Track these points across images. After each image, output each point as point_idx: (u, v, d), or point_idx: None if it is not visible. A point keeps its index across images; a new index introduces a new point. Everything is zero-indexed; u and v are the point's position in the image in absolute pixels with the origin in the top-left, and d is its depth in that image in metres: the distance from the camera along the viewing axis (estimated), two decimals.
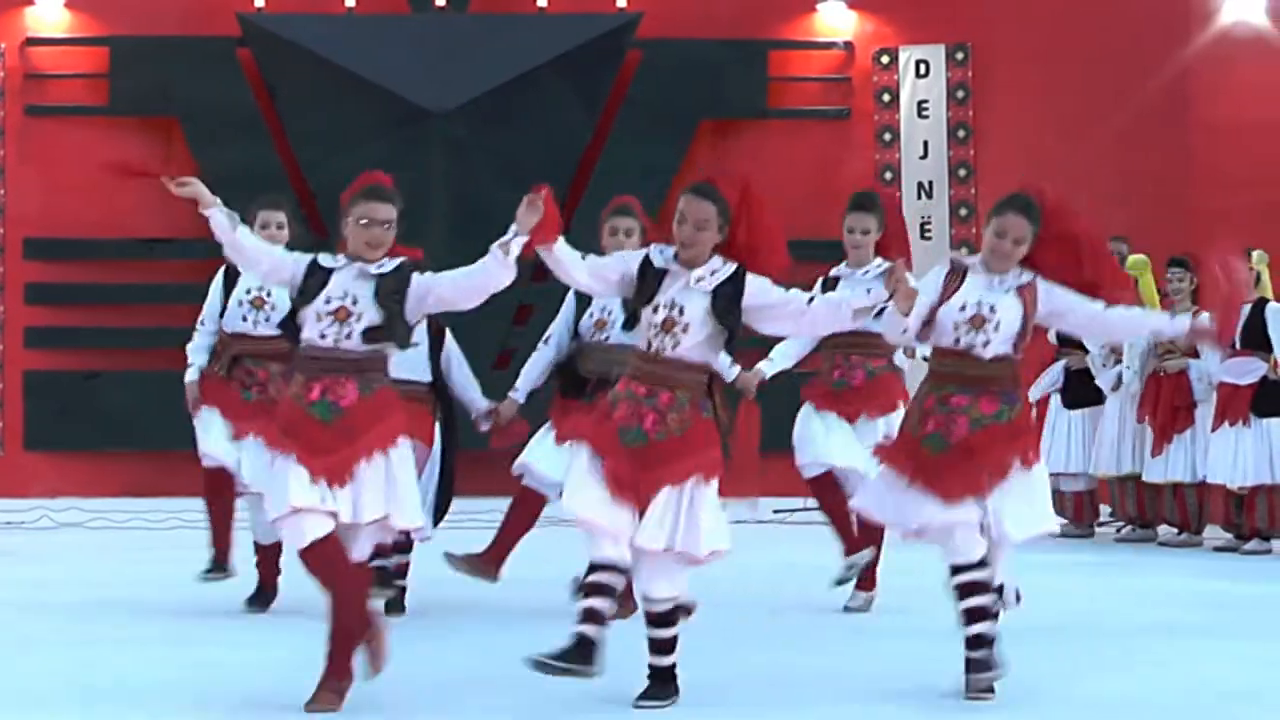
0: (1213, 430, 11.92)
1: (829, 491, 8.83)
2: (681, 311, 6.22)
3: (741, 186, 6.35)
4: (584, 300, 8.42)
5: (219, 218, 6.31)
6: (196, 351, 8.98)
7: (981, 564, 6.49)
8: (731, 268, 6.29)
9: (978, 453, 6.43)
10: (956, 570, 6.50)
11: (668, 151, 15.94)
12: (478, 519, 11.40)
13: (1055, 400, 13.02)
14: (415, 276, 6.36)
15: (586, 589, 6.26)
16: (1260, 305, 11.77)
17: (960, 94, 16.42)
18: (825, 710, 6.37)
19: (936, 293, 6.55)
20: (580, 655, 6.15)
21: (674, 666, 6.28)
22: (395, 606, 8.71)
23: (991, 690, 6.45)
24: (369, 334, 6.25)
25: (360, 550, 6.29)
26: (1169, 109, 15.26)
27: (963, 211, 16.22)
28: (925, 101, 16.50)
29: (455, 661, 7.38)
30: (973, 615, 6.50)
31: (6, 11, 16.36)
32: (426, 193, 15.63)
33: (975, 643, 6.48)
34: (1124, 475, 12.57)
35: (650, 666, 6.28)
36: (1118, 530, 13.00)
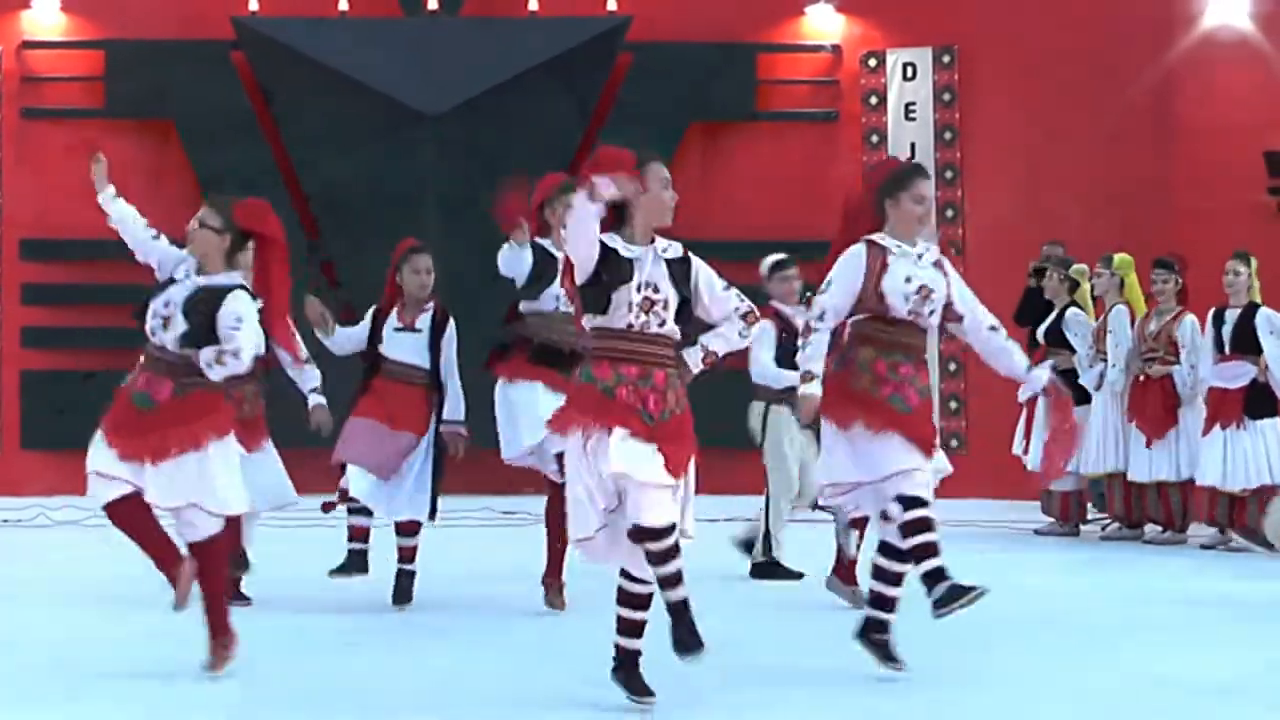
0: (1204, 434, 11.96)
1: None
2: (656, 289, 6.22)
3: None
4: None
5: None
6: None
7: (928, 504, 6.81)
8: (678, 246, 6.36)
9: (928, 424, 6.87)
10: (919, 504, 6.75)
11: (657, 154, 16.01)
12: (471, 516, 11.56)
13: (1042, 400, 13.00)
14: (230, 301, 6.73)
15: (637, 601, 6.25)
16: (1250, 310, 11.83)
17: (947, 96, 16.53)
18: (813, 704, 6.48)
19: (861, 273, 6.83)
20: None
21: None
22: (402, 595, 8.92)
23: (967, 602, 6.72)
24: (182, 339, 6.71)
25: (193, 533, 6.82)
26: (1153, 111, 15.36)
27: (949, 213, 16.32)
28: (912, 104, 16.61)
29: (441, 659, 7.46)
30: (930, 549, 6.78)
31: (3, 15, 16.43)
32: (419, 194, 15.75)
33: (937, 575, 6.77)
34: (1109, 473, 12.63)
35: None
36: (1103, 529, 13.08)
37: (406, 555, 9.01)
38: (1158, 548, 12.17)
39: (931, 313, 6.88)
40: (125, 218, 7.41)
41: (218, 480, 6.81)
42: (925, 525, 6.76)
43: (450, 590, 9.17)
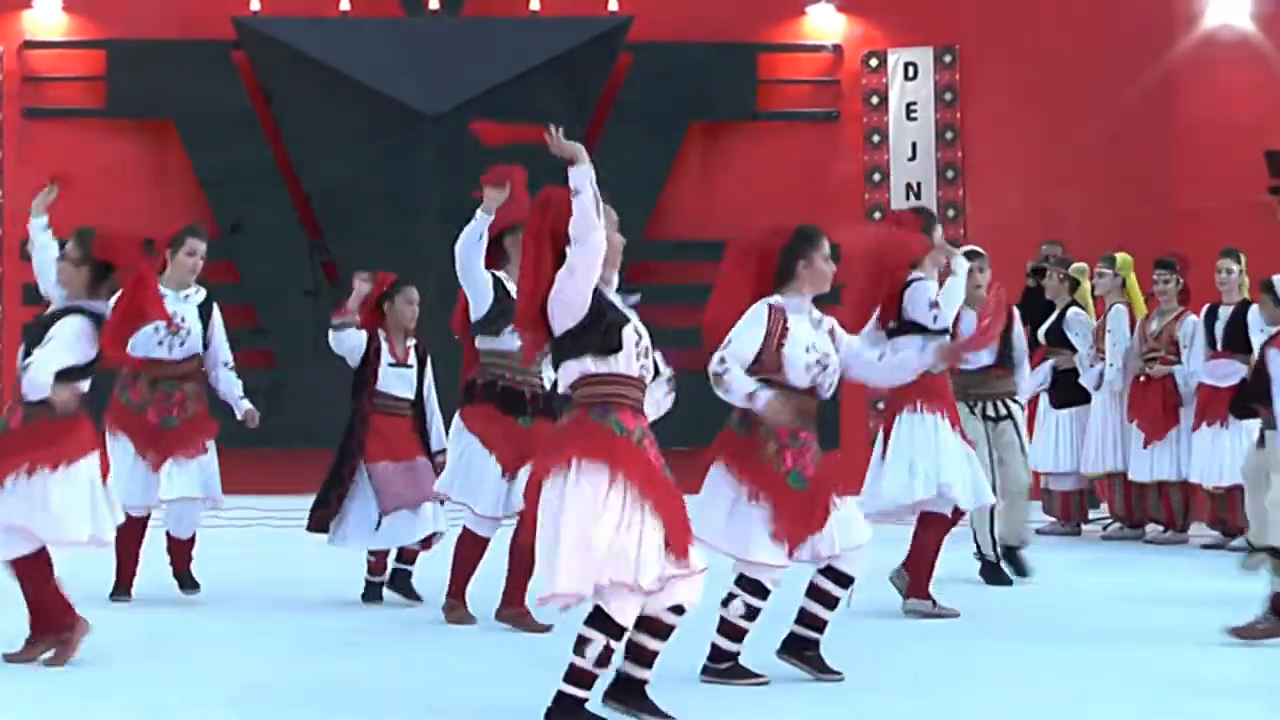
0: (1193, 430, 11.99)
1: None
2: (639, 333, 5.94)
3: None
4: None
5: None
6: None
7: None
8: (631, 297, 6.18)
9: (826, 488, 6.77)
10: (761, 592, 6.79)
11: (658, 154, 16.03)
12: None
13: (1043, 400, 13.06)
14: (54, 325, 6.97)
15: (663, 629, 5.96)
16: (1243, 307, 11.84)
17: (948, 96, 16.52)
18: (815, 704, 6.49)
19: (762, 334, 6.76)
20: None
21: None
22: (406, 591, 9.20)
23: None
24: (23, 367, 6.95)
25: (7, 551, 7.03)
26: (1154, 111, 15.36)
27: (950, 212, 16.32)
28: (914, 103, 16.60)
29: (442, 660, 7.47)
30: (736, 633, 6.83)
31: (4, 14, 16.43)
32: (420, 194, 15.74)
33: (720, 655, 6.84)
34: (1110, 473, 12.64)
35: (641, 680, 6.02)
36: (1104, 528, 13.08)
37: (409, 557, 9.24)
38: (1159, 547, 12.17)
39: (829, 385, 6.87)
40: (47, 250, 7.80)
41: (51, 509, 6.96)
42: (750, 615, 6.82)
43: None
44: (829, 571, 6.91)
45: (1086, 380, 12.69)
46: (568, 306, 5.79)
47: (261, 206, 15.84)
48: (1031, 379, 13.08)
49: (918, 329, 8.68)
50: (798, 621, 6.97)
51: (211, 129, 16.05)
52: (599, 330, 5.80)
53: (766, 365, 6.75)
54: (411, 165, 15.90)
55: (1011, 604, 9.19)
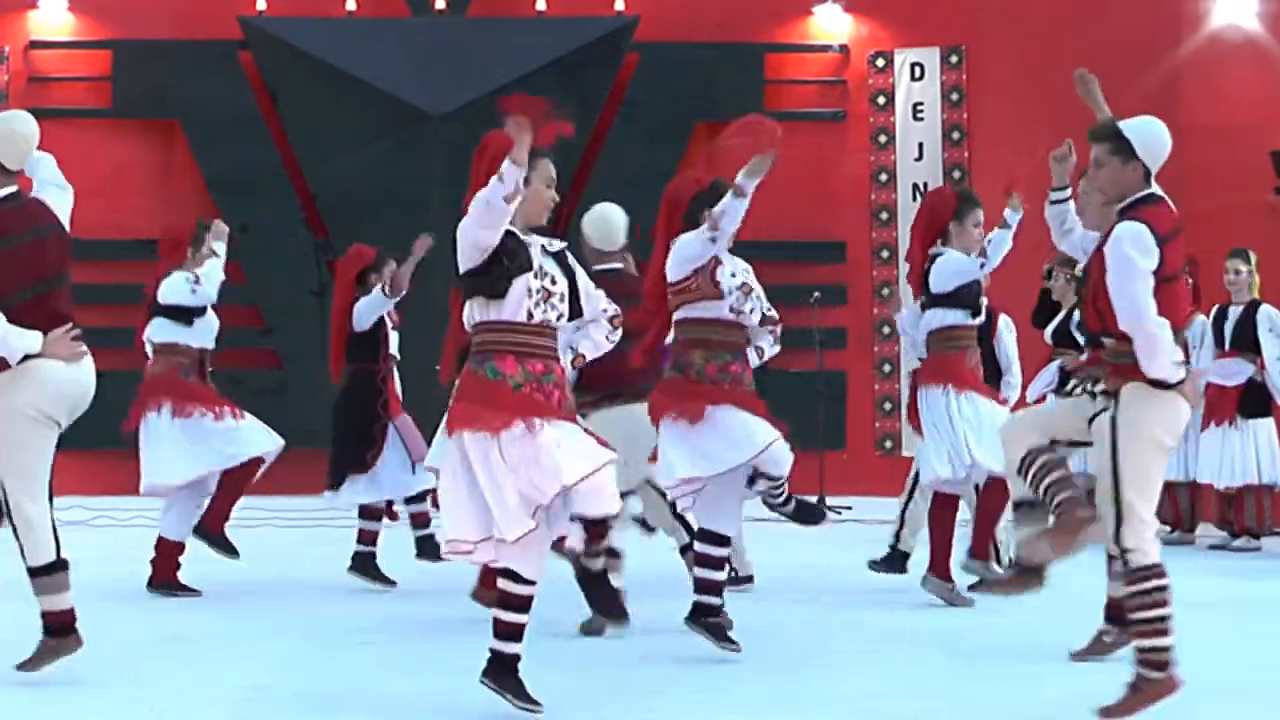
0: (1201, 430, 12.00)
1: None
2: (554, 280, 6.04)
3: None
4: None
5: None
6: None
7: None
8: (556, 241, 6.21)
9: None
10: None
11: (664, 154, 16.01)
12: None
13: (1049, 401, 13.05)
14: None
15: (520, 603, 6.07)
16: (1252, 307, 11.84)
17: (955, 96, 16.52)
18: (819, 704, 6.49)
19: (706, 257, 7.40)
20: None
21: None
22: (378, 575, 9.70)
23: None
24: None
25: None
26: (1160, 111, 15.02)
27: None
28: (920, 104, 16.60)
29: (455, 660, 7.46)
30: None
31: (10, 14, 16.47)
32: (425, 194, 15.75)
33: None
34: None
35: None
36: None
37: (369, 538, 9.84)
38: (1165, 548, 12.05)
39: (753, 310, 7.47)
40: None
41: None
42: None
43: (465, 589, 9.15)
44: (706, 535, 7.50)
45: None
46: (470, 247, 5.90)
47: (267, 206, 15.85)
48: (1037, 380, 13.12)
49: (945, 301, 9.09)
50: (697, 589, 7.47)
51: (217, 129, 16.07)
52: (489, 276, 5.90)
53: (704, 292, 7.37)
54: (417, 165, 15.90)
55: (1015, 604, 9.15)
